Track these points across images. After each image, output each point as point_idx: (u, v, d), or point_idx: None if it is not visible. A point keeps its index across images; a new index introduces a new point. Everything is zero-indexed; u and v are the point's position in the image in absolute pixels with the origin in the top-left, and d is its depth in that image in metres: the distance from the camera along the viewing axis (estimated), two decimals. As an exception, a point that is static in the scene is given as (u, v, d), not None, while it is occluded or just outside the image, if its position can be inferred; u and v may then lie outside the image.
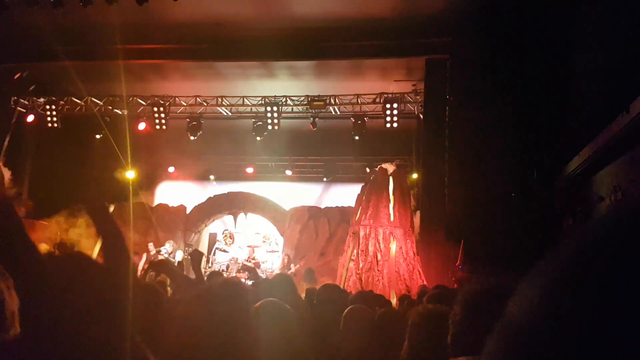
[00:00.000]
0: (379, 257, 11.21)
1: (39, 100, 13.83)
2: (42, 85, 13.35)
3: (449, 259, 10.20)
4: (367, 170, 14.56)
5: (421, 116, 12.59)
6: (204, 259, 13.58)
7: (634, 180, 6.77)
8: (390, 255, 11.25)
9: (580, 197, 8.88)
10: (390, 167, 12.54)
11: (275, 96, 13.12)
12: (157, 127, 13.51)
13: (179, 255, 13.61)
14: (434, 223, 11.00)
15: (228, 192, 16.28)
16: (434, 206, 11.08)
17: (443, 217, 10.66)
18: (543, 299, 0.39)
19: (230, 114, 14.25)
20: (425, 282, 10.16)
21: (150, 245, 13.52)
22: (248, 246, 15.04)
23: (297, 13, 10.80)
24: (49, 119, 13.74)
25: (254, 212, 16.13)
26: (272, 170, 16.68)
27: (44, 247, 12.21)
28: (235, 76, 13.51)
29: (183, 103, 13.86)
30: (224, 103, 13.77)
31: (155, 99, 13.57)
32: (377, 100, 12.79)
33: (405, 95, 12.87)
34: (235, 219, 16.30)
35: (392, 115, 12.31)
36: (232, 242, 15.57)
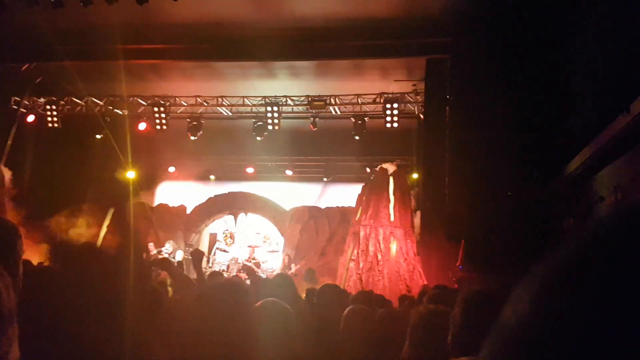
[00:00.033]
0: (380, 257, 11.21)
1: (39, 100, 13.83)
2: (43, 85, 13.35)
3: (449, 259, 10.20)
4: (368, 170, 14.59)
5: (421, 116, 12.59)
6: (205, 259, 13.57)
7: (634, 180, 6.77)
8: (390, 255, 11.26)
9: (581, 197, 8.88)
10: (390, 167, 12.55)
11: (275, 96, 13.12)
12: (158, 127, 13.51)
13: (179, 256, 13.62)
14: (435, 223, 11.00)
15: (228, 192, 16.29)
16: (434, 206, 11.08)
17: (443, 217, 10.66)
18: (536, 303, 0.39)
19: (230, 114, 14.26)
20: (425, 282, 10.16)
21: (151, 246, 13.53)
22: (248, 246, 15.05)
23: (297, 13, 10.80)
24: (49, 119, 13.74)
25: (254, 212, 16.14)
26: (273, 170, 16.68)
27: (44, 247, 12.20)
28: (235, 76, 13.51)
29: (183, 103, 13.87)
30: (224, 103, 13.78)
31: (156, 99, 13.58)
32: (378, 100, 12.79)
33: (406, 95, 12.87)
34: (235, 219, 16.31)
35: (392, 115, 12.31)
36: (233, 242, 15.58)
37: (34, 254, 9.81)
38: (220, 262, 14.87)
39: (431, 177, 11.45)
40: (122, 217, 13.46)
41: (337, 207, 15.58)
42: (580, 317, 0.36)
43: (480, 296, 1.67)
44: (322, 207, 15.93)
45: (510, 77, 9.80)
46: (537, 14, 9.59)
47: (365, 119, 12.92)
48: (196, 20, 11.05)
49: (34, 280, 2.08)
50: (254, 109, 13.73)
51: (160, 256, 12.83)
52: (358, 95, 12.94)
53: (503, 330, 0.41)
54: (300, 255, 14.49)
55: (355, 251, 11.46)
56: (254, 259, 14.28)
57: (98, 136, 13.98)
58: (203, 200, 16.28)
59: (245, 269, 12.79)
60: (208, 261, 14.62)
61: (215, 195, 16.27)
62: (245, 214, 16.23)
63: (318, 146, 14.98)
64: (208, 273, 9.87)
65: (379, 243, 11.34)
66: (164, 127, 13.51)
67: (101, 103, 14.02)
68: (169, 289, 4.73)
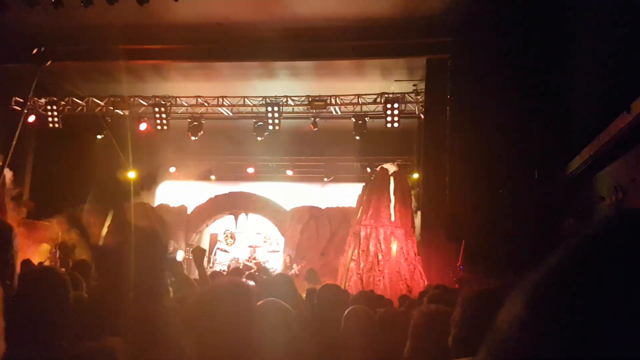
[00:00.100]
0: (380, 257, 11.21)
1: (40, 100, 13.84)
2: (43, 86, 13.35)
3: (450, 259, 10.20)
4: (368, 170, 14.59)
5: (422, 116, 12.59)
6: (205, 259, 13.57)
7: (635, 180, 6.77)
8: (391, 255, 11.26)
9: (581, 197, 8.88)
10: (391, 167, 12.56)
11: (276, 96, 13.12)
12: (158, 127, 13.52)
13: (180, 256, 13.62)
14: (435, 223, 10.99)
15: (229, 193, 16.30)
16: (435, 206, 11.08)
17: (444, 217, 10.65)
18: (530, 306, 0.40)
19: (231, 114, 14.26)
20: (426, 282, 10.16)
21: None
22: (249, 246, 15.06)
23: (297, 13, 10.80)
24: (50, 119, 13.75)
25: (255, 212, 16.15)
26: (273, 170, 16.68)
27: (45, 247, 12.22)
28: (236, 76, 13.52)
29: (184, 103, 13.87)
30: (224, 103, 13.78)
31: (157, 99, 13.58)
32: (378, 100, 12.79)
33: (406, 95, 12.86)
34: (236, 219, 16.31)
35: (392, 115, 12.31)
36: (233, 242, 15.59)
37: (35, 254, 9.83)
38: (221, 262, 14.87)
39: (432, 177, 11.44)
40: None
41: (338, 207, 15.58)
42: (574, 319, 0.36)
43: (481, 296, 1.67)
44: (323, 207, 15.93)
45: (511, 76, 9.79)
46: (537, 13, 9.59)
47: (366, 119, 12.92)
48: (197, 21, 11.06)
49: (34, 280, 2.09)
50: (255, 109, 13.74)
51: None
52: (358, 95, 12.94)
53: (499, 332, 0.41)
54: (300, 256, 14.50)
55: (356, 251, 11.46)
56: (254, 259, 14.29)
57: (99, 136, 13.99)
58: (204, 200, 16.29)
59: (259, 268, 12.74)
60: (209, 261, 14.63)
61: (216, 196, 16.28)
62: (246, 214, 16.23)
63: (319, 146, 14.98)
64: (209, 273, 9.88)
65: (380, 243, 11.34)
66: (165, 127, 13.51)
67: (102, 103, 14.03)
68: (169, 288, 4.72)
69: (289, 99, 13.25)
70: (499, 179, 9.86)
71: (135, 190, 14.53)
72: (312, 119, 13.21)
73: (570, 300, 0.37)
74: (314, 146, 15.04)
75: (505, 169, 9.90)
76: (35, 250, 10.99)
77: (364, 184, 13.07)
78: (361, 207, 12.11)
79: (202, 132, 13.75)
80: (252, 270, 12.60)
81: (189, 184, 16.92)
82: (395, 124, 12.38)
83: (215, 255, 15.30)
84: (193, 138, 13.82)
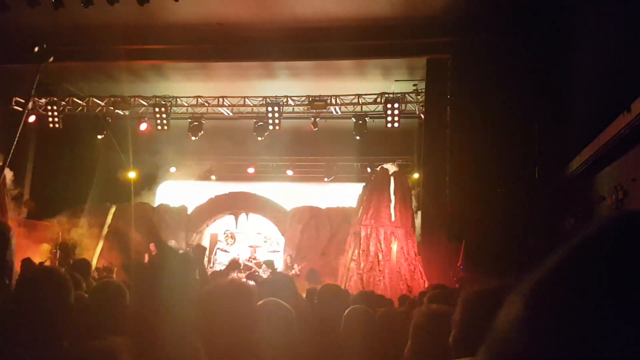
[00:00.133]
0: (380, 257, 11.21)
1: (40, 100, 13.84)
2: (44, 86, 13.35)
3: (450, 259, 10.19)
4: (368, 170, 14.59)
5: (422, 116, 12.58)
6: (205, 259, 13.58)
7: (635, 180, 6.77)
8: (391, 255, 11.26)
9: (582, 196, 8.88)
10: (391, 167, 12.55)
11: (276, 96, 13.13)
12: (159, 127, 13.53)
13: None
14: (435, 223, 10.99)
15: (229, 193, 16.28)
16: (435, 206, 11.07)
17: (444, 217, 10.65)
18: (528, 309, 0.40)
19: (231, 114, 14.26)
20: (426, 282, 10.16)
21: (152, 246, 13.52)
22: (249, 246, 15.05)
23: (297, 13, 10.80)
24: (50, 119, 13.76)
25: (255, 212, 16.13)
26: (274, 170, 16.68)
27: (45, 247, 12.23)
28: (236, 76, 13.52)
29: (184, 103, 13.88)
30: (225, 103, 13.79)
31: (157, 99, 13.59)
32: (378, 100, 12.79)
33: (407, 95, 12.86)
34: (236, 219, 16.30)
35: (393, 115, 12.31)
36: (234, 242, 15.58)
37: (35, 254, 9.83)
38: (221, 262, 14.87)
39: (432, 177, 11.44)
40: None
41: (338, 207, 15.57)
42: (573, 319, 0.37)
43: (481, 296, 1.67)
44: (323, 207, 15.92)
45: (511, 76, 9.79)
46: (538, 13, 9.59)
47: (366, 119, 12.92)
48: (197, 21, 11.06)
49: (36, 280, 2.09)
50: (255, 109, 13.74)
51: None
52: (359, 95, 12.94)
53: (499, 332, 0.41)
54: (301, 256, 14.49)
55: (356, 251, 11.46)
56: (254, 258, 14.28)
57: (99, 136, 13.99)
58: (204, 200, 16.27)
59: (266, 262, 12.67)
60: (209, 261, 14.62)
61: (216, 196, 16.26)
62: (246, 214, 16.22)
63: (319, 146, 14.98)
64: (209, 273, 9.88)
65: (380, 243, 11.34)
66: (165, 127, 13.52)
67: (102, 103, 14.04)
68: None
69: (289, 99, 13.25)
70: (499, 179, 9.86)
71: (136, 190, 14.54)
72: (313, 119, 13.21)
73: (570, 301, 0.37)
74: (314, 146, 15.04)
75: (505, 169, 9.90)
76: (36, 250, 10.99)
77: (364, 184, 13.06)
78: (361, 207, 12.10)
79: (202, 132, 13.75)
80: (252, 270, 12.62)
81: (190, 184, 16.92)
82: (396, 124, 12.38)
83: (215, 255, 15.29)
84: (193, 138, 13.83)
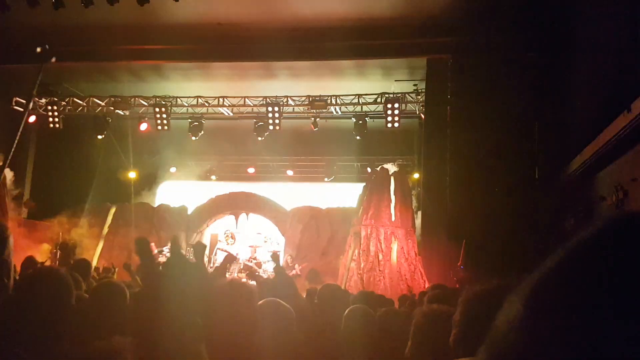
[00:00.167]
0: (381, 257, 11.21)
1: (40, 100, 13.84)
2: (44, 86, 13.36)
3: (450, 259, 10.19)
4: (368, 170, 14.59)
5: (422, 116, 12.58)
6: (205, 259, 13.57)
7: (635, 179, 6.76)
8: (391, 255, 11.26)
9: (582, 196, 8.87)
10: (391, 167, 12.56)
11: (276, 96, 13.13)
12: (159, 127, 13.53)
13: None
14: (436, 223, 10.99)
15: (229, 193, 16.27)
16: (435, 206, 11.07)
17: (444, 217, 10.65)
18: (528, 309, 0.40)
19: (231, 114, 14.26)
20: (427, 282, 10.16)
21: (152, 246, 13.52)
22: (249, 246, 15.05)
23: (297, 13, 10.80)
24: (50, 119, 13.76)
25: (256, 212, 16.12)
26: (274, 170, 16.69)
27: (45, 247, 12.23)
28: (236, 76, 13.52)
29: (184, 103, 13.88)
30: (225, 103, 13.78)
31: (157, 99, 13.59)
32: (379, 100, 12.79)
33: (407, 95, 12.86)
34: (236, 219, 16.30)
35: (393, 115, 12.31)
36: (234, 242, 15.57)
37: (35, 254, 9.83)
38: (221, 262, 14.85)
39: (432, 177, 11.44)
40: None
41: (338, 207, 15.57)
42: (573, 319, 0.37)
43: (481, 296, 1.67)
44: (323, 207, 15.92)
45: (511, 76, 9.79)
46: (538, 13, 9.59)
47: (366, 119, 12.92)
48: (197, 21, 11.06)
49: (37, 280, 2.09)
50: (255, 109, 13.74)
51: (161, 256, 12.84)
52: (359, 95, 12.94)
53: (499, 332, 0.41)
54: (301, 256, 14.49)
55: (357, 251, 11.46)
56: (255, 259, 14.28)
57: (100, 137, 13.99)
58: (204, 200, 16.27)
59: (273, 256, 12.69)
60: (209, 261, 14.62)
61: (217, 196, 16.25)
62: (247, 214, 16.22)
63: (319, 146, 14.99)
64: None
65: (380, 243, 11.34)
66: (165, 127, 13.52)
67: (102, 103, 14.04)
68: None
69: (289, 99, 13.25)
70: (499, 179, 9.86)
71: (136, 190, 14.55)
72: (313, 119, 13.21)
73: (570, 301, 0.38)
74: (314, 146, 15.05)
75: (505, 169, 9.90)
76: (36, 250, 10.99)
77: (364, 184, 13.06)
78: (362, 207, 12.11)
79: (202, 132, 13.75)
80: (252, 270, 12.61)
81: (190, 184, 16.93)
82: (396, 124, 12.38)
83: (215, 255, 15.28)
84: (193, 138, 13.83)
